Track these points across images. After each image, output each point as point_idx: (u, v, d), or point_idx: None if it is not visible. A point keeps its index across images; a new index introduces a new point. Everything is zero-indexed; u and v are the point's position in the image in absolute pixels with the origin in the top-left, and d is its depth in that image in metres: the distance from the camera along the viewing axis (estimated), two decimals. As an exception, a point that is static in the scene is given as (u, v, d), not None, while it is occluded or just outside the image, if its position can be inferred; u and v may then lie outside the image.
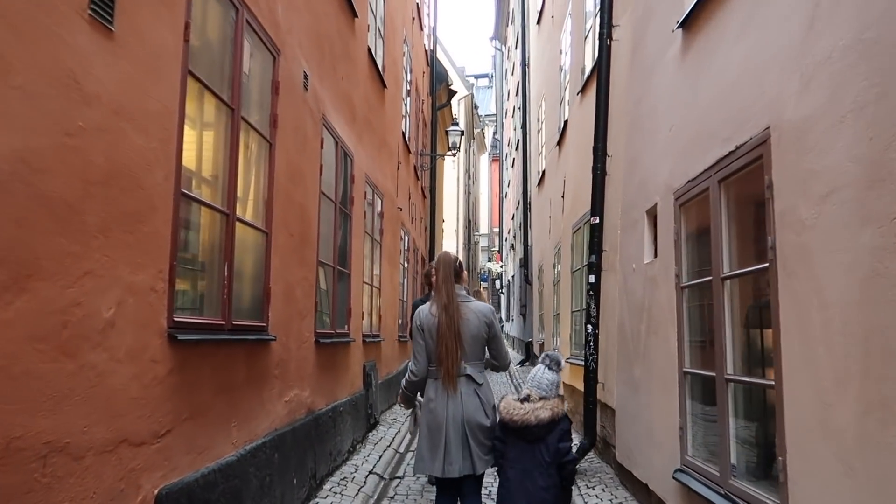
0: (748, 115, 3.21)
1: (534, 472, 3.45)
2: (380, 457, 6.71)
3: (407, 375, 3.74)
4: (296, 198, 4.96)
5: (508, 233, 30.34)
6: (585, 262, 7.72)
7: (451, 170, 35.17)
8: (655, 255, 4.96)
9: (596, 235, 6.44)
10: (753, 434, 3.62)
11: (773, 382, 2.98)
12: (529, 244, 17.55)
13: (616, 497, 5.38)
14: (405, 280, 12.06)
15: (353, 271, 6.98)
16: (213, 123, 3.71)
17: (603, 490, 5.62)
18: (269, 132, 4.40)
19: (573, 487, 5.73)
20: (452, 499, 3.68)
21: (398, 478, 6.18)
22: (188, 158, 3.34)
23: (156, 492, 2.80)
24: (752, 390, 3.60)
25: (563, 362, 3.94)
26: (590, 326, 6.37)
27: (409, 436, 8.04)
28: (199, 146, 3.59)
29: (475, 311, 3.61)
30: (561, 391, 3.78)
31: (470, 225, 44.21)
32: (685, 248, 4.29)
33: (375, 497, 5.58)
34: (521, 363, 17.47)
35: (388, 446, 7.25)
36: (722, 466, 3.50)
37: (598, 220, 6.44)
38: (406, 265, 12.22)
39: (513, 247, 26.46)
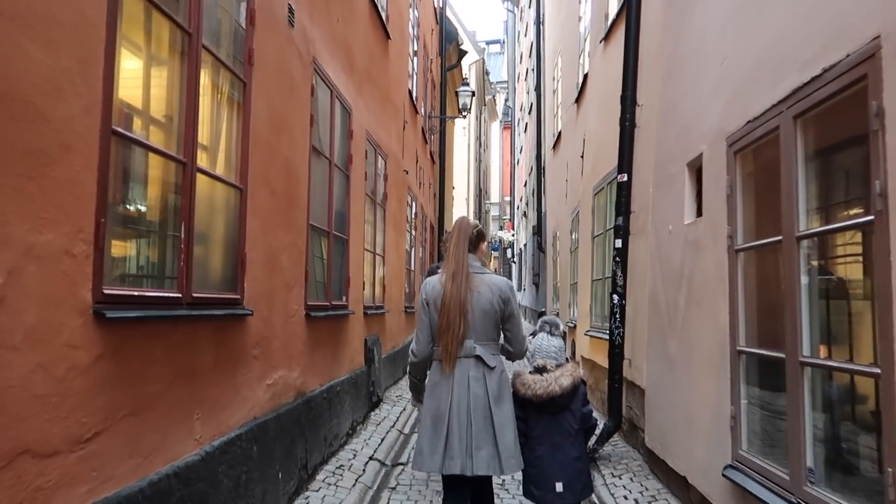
0: (845, 25, 2.47)
1: (564, 444, 3.33)
2: (382, 439, 6.12)
3: (409, 358, 3.30)
4: (280, 151, 4.27)
5: (521, 200, 29.54)
6: (609, 227, 7.02)
7: (461, 137, 34.27)
8: (699, 215, 4.25)
9: (623, 195, 5.72)
10: (842, 434, 2.95)
11: (876, 370, 2.30)
12: (543, 211, 16.80)
13: (647, 489, 4.75)
14: (412, 248, 11.40)
15: (352, 237, 6.31)
16: (166, 51, 3.02)
17: (631, 479, 4.99)
18: (243, 70, 3.69)
19: (600, 474, 5.16)
20: (464, 500, 3.19)
21: (401, 464, 5.58)
22: (127, 90, 2.66)
23: (79, 513, 2.18)
24: (840, 378, 2.92)
25: (562, 325, 3.78)
26: (615, 297, 5.69)
27: (415, 414, 7.45)
28: (144, 77, 2.89)
29: (489, 284, 3.12)
30: (568, 353, 3.62)
31: (481, 193, 43.40)
32: (741, 203, 3.57)
33: (375, 488, 4.99)
34: (534, 334, 16.82)
35: (392, 427, 6.66)
36: (794, 469, 2.84)
37: (626, 178, 5.72)
38: (413, 232, 11.54)
39: (525, 214, 25.70)
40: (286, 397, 4.36)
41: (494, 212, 49.74)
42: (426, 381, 3.26)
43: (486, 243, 3.38)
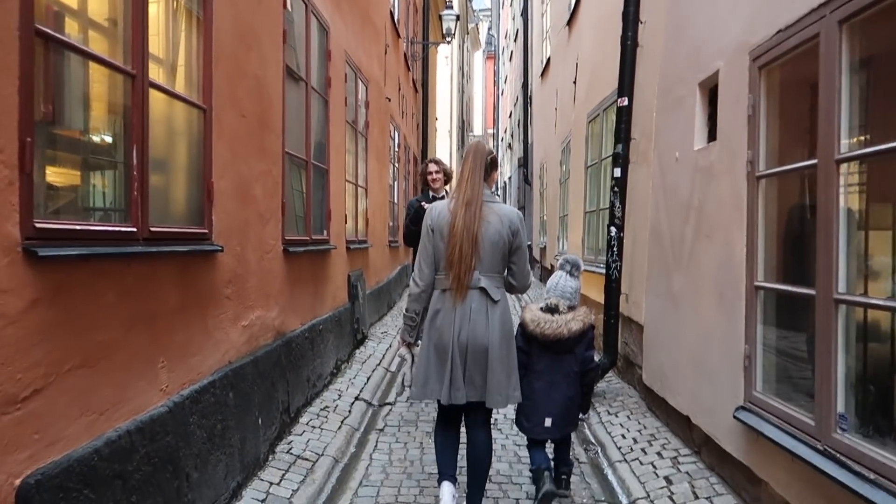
0: None
1: (562, 384, 3.37)
2: (368, 378, 5.88)
3: (409, 289, 3.20)
4: (249, 68, 3.81)
5: (505, 132, 28.91)
6: (605, 156, 6.67)
7: (444, 66, 33.21)
8: (711, 139, 3.90)
9: (623, 121, 5.34)
10: (879, 379, 2.70)
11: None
12: (530, 142, 16.34)
13: (645, 427, 4.57)
14: (395, 180, 10.97)
15: (332, 167, 5.89)
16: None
17: (628, 417, 4.82)
18: (201, -30, 3.20)
19: (595, 412, 5.00)
20: (455, 431, 3.24)
21: (388, 404, 5.37)
22: (55, -17, 2.21)
23: (18, 482, 1.87)
24: (879, 318, 2.64)
25: (582, 266, 3.73)
26: (613, 229, 5.39)
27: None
28: (79, -31, 2.42)
29: (499, 214, 3.00)
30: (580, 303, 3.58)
31: (464, 125, 42.52)
32: (765, 125, 3.22)
33: (361, 429, 4.77)
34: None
35: (378, 365, 6.43)
36: (821, 415, 2.60)
37: (626, 102, 5.32)
38: (397, 164, 11.09)
39: (510, 146, 25.17)
40: (264, 339, 4.05)
41: (477, 144, 48.78)
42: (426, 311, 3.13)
43: (497, 171, 3.27)
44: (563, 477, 3.60)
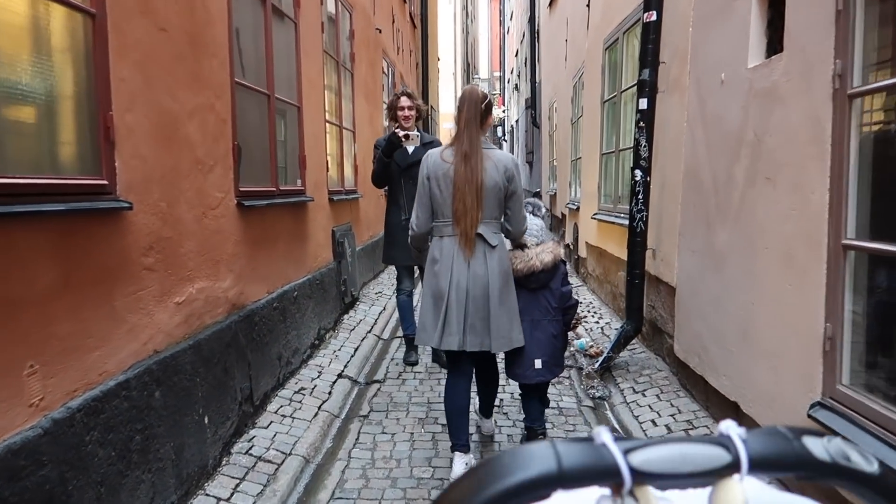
0: None
1: (543, 321, 3.37)
2: (355, 349, 5.15)
3: (410, 231, 3.23)
4: (175, -30, 2.92)
5: (511, 73, 27.58)
6: (624, 87, 5.75)
7: (446, 4, 31.65)
8: (774, 51, 3.01)
9: (650, 40, 4.41)
10: None
11: None
12: (538, 81, 15.24)
13: (679, 411, 3.83)
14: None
15: (306, 105, 5.02)
16: None
17: (658, 397, 4.07)
18: None
19: (618, 388, 4.34)
20: (466, 377, 3.23)
21: (377, 382, 4.63)
22: None
23: None
24: None
25: (543, 207, 3.86)
26: (638, 172, 4.52)
27: (396, 314, 6.49)
28: None
29: (495, 161, 3.02)
30: (553, 236, 3.70)
31: (469, 68, 41.00)
32: (861, 22, 2.34)
33: (342, 416, 4.05)
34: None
35: (368, 332, 5.69)
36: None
37: (654, 17, 4.38)
38: (392, 105, 10.13)
39: (516, 87, 23.94)
40: (212, 316, 3.28)
41: (483, 88, 47.35)
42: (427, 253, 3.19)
43: (492, 116, 3.24)
44: (539, 433, 3.52)
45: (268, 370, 3.95)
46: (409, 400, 4.27)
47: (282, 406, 3.89)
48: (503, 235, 3.16)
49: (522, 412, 3.65)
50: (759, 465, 0.44)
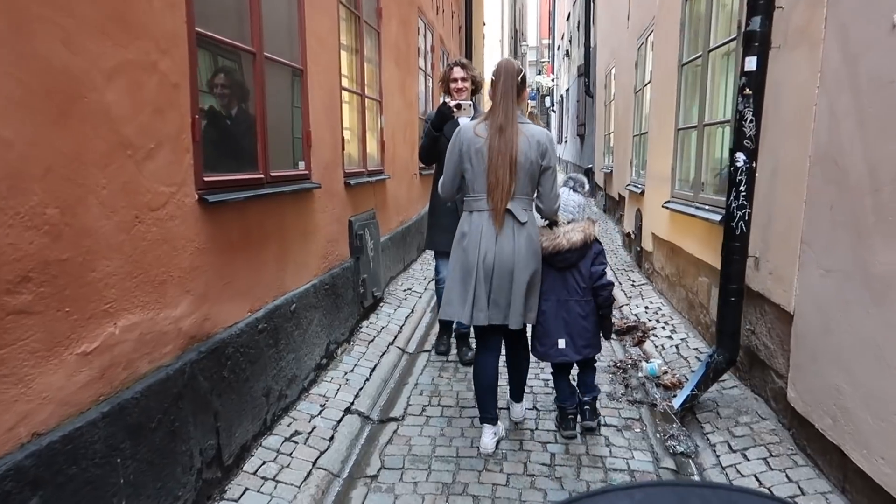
0: None
1: (570, 302, 3.30)
2: (372, 369, 4.21)
3: (438, 189, 3.31)
4: None
5: (562, 38, 25.98)
6: (714, 45, 4.58)
7: (494, -33, 30.12)
8: None
9: (763, -22, 3.25)
10: None
11: None
12: (593, 45, 13.89)
13: (802, 488, 2.77)
14: (428, 94, 8.97)
15: (312, 68, 4.02)
16: None
17: (767, 463, 3.00)
18: None
19: (707, 442, 3.28)
20: (494, 354, 3.26)
21: (394, 420, 3.68)
22: None
23: None
24: None
25: (587, 184, 3.61)
26: (740, 155, 3.40)
27: (428, 315, 5.53)
28: None
29: (528, 136, 2.95)
30: (591, 214, 3.66)
31: (517, 35, 39.27)
32: None
33: (345, 474, 3.11)
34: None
35: (391, 343, 4.74)
36: None
37: (771, -56, 3.22)
38: (430, 71, 9.06)
39: (567, 53, 22.44)
40: (152, 360, 2.35)
41: (531, 56, 45.73)
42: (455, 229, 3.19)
43: (527, 90, 3.28)
44: (585, 408, 3.49)
45: (247, 414, 3.02)
46: (433, 451, 3.30)
47: (265, 463, 2.97)
48: (534, 212, 3.13)
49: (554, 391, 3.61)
50: None
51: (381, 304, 5.46)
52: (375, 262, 5.34)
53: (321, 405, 3.60)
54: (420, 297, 5.93)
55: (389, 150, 6.28)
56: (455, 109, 4.02)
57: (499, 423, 3.36)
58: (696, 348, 4.46)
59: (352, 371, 4.12)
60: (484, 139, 2.94)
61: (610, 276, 3.51)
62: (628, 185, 7.95)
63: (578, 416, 3.49)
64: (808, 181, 3.01)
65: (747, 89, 3.36)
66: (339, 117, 4.65)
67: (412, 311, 5.52)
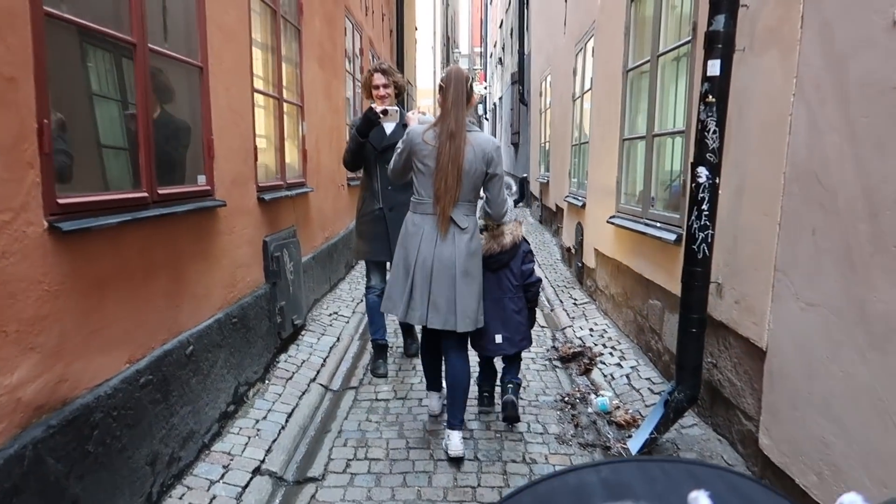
0: None
1: (504, 299, 3.49)
2: (289, 415, 3.65)
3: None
4: None
5: (494, 46, 25.87)
6: (663, 49, 4.26)
7: (425, -28, 29.73)
8: None
9: (727, -29, 2.91)
10: None
11: None
12: (526, 52, 13.66)
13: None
14: (356, 99, 8.43)
15: (215, 66, 3.44)
16: None
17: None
18: None
19: None
20: (437, 353, 3.46)
21: (312, 480, 3.12)
22: None
23: None
24: None
25: (514, 185, 3.78)
26: (702, 170, 3.04)
27: (356, 344, 5.00)
28: None
29: (475, 145, 3.02)
30: (518, 215, 3.63)
31: (449, 42, 39.06)
32: None
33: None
34: (515, 202, 14.28)
35: (312, 380, 4.18)
36: None
37: (735, -66, 2.87)
38: (358, 76, 8.52)
39: (500, 61, 22.28)
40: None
41: (464, 64, 45.67)
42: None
43: (476, 96, 3.50)
44: (508, 385, 3.63)
45: (124, 492, 2.42)
46: (360, 520, 2.77)
47: (145, 553, 2.38)
48: (475, 217, 3.19)
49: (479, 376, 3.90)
50: None
51: (303, 333, 4.88)
52: (296, 285, 4.77)
53: (224, 466, 3.02)
54: (347, 322, 5.39)
55: (313, 160, 5.71)
56: (382, 115, 3.92)
57: (442, 389, 3.57)
58: (649, 378, 4.09)
59: (264, 418, 3.54)
60: (432, 146, 3.00)
61: (538, 273, 3.85)
62: (567, 196, 7.62)
63: (497, 400, 3.83)
64: (784, 201, 2.66)
65: (710, 96, 3.00)
66: (252, 123, 4.07)
67: (338, 339, 4.97)
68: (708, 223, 3.07)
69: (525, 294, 3.55)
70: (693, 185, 3.09)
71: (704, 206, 3.06)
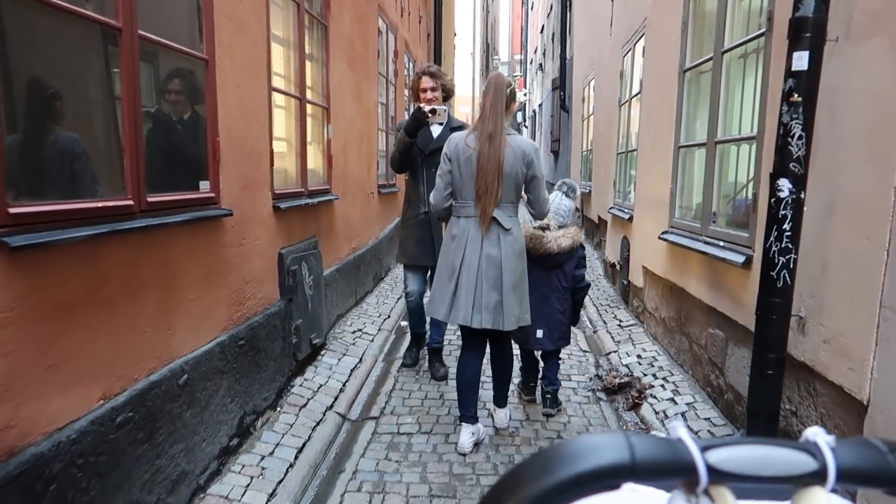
0: None
1: (551, 298, 3.61)
2: (299, 449, 3.25)
3: (430, 205, 3.41)
4: None
5: (535, 52, 25.38)
6: (729, 45, 3.78)
7: (465, -22, 29.49)
8: None
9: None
10: None
11: None
12: (568, 57, 13.16)
13: None
14: (390, 103, 8.06)
15: (223, 59, 3.08)
16: None
17: None
18: None
19: None
20: (478, 355, 3.38)
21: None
22: None
23: None
24: None
25: (577, 188, 3.94)
26: (784, 183, 2.58)
27: (380, 365, 4.61)
28: None
29: (513, 147, 3.08)
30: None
31: (488, 49, 38.68)
32: None
33: None
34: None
35: (329, 408, 3.79)
36: None
37: None
38: (393, 79, 8.16)
39: (541, 67, 21.79)
40: None
41: (504, 71, 45.22)
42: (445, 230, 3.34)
43: (516, 103, 3.29)
44: (547, 396, 3.83)
45: (89, 557, 2.05)
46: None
47: None
48: (518, 219, 3.23)
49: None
50: (847, 477, 0.42)
51: (323, 353, 4.49)
52: (316, 301, 4.39)
53: (218, 515, 2.63)
54: (372, 341, 4.99)
55: (339, 166, 5.34)
56: (430, 115, 3.87)
57: (478, 424, 3.44)
58: (709, 418, 3.59)
59: (271, 454, 3.15)
60: (473, 149, 3.07)
61: (588, 279, 3.84)
62: (612, 208, 7.12)
63: (539, 400, 3.94)
64: (894, 222, 2.17)
65: (795, 95, 2.53)
66: (268, 125, 3.71)
67: (360, 360, 4.57)
68: (790, 245, 2.58)
69: (573, 297, 3.71)
70: (772, 200, 2.61)
71: (786, 226, 2.58)
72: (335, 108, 5.20)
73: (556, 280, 3.59)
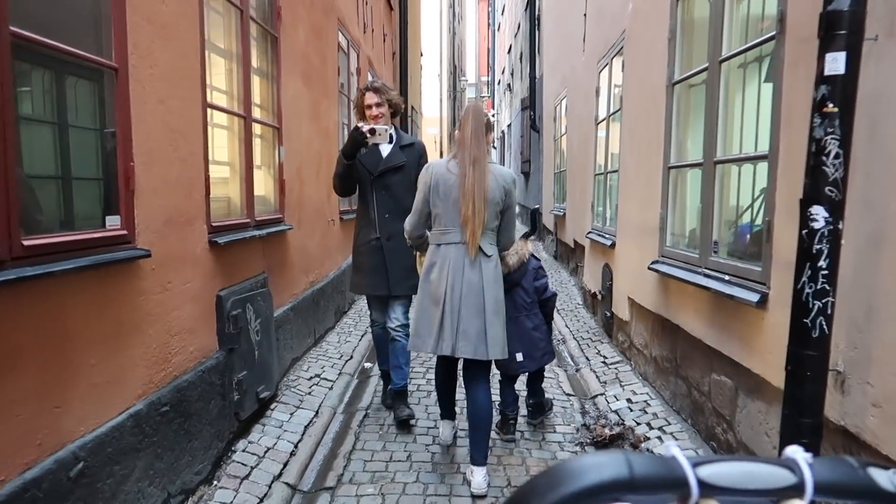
0: None
1: (519, 317, 3.56)
2: (239, 538, 2.67)
3: (406, 235, 3.30)
4: None
5: (503, 73, 25.20)
6: (727, 53, 3.38)
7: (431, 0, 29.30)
8: None
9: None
10: None
11: None
12: (538, 76, 12.84)
13: None
14: (352, 121, 7.56)
15: (140, 69, 2.55)
16: None
17: None
18: None
19: None
20: (452, 381, 3.42)
21: None
22: None
23: None
24: None
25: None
26: (819, 211, 2.15)
27: (339, 418, 4.06)
28: None
29: (495, 175, 3.08)
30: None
31: (455, 71, 38.57)
32: None
33: None
34: (526, 236, 13.33)
35: (277, 478, 3.22)
36: None
37: None
38: (353, 99, 7.67)
39: (509, 87, 21.55)
40: None
41: (471, 93, 45.36)
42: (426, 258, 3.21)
43: (492, 133, 3.27)
44: (529, 408, 3.91)
45: None
46: None
47: None
48: (496, 246, 3.17)
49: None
50: (823, 490, 0.45)
51: (273, 407, 3.92)
52: (264, 348, 3.83)
53: None
54: (331, 389, 4.43)
55: (293, 191, 4.81)
56: (369, 135, 3.58)
57: (455, 419, 3.56)
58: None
59: (200, 547, 2.57)
60: (455, 175, 3.02)
61: (552, 288, 3.79)
62: (590, 232, 6.68)
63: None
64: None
65: (829, 104, 2.10)
66: (203, 147, 3.17)
67: (317, 413, 4.01)
68: (827, 287, 2.14)
69: (542, 309, 3.65)
70: (804, 231, 2.16)
71: (822, 262, 2.13)
72: (289, 128, 4.68)
73: (518, 299, 3.54)
